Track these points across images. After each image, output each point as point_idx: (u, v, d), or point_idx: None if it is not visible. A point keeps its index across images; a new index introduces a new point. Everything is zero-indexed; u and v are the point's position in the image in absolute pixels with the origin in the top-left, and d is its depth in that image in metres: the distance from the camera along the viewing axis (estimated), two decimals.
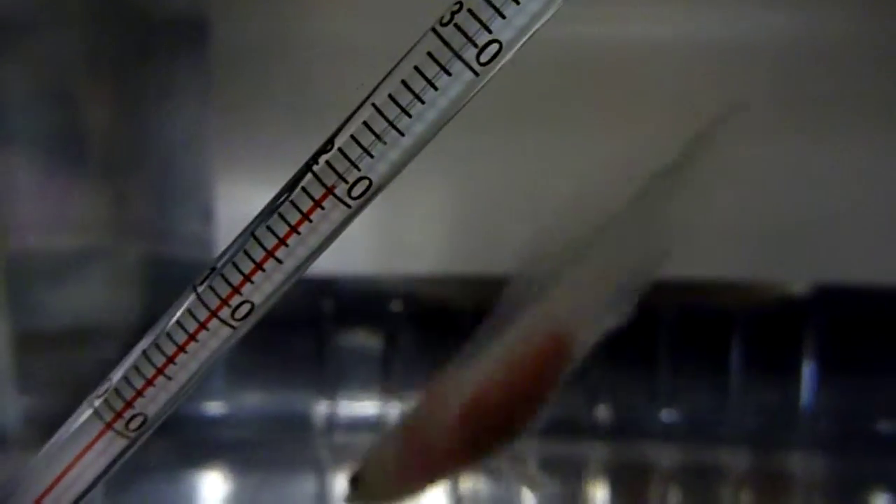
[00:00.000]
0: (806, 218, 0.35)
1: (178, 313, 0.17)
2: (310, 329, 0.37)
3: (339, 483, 0.32)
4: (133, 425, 0.18)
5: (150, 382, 0.18)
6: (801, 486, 0.34)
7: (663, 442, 0.35)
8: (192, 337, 0.17)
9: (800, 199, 0.35)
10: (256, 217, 0.17)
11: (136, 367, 0.18)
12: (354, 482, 0.26)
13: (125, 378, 0.18)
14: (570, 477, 0.33)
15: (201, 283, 0.17)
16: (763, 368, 0.37)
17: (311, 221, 0.16)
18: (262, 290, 0.17)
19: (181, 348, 0.17)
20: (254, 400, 0.38)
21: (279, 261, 0.17)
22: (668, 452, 0.35)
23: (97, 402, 0.18)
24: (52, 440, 0.18)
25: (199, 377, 0.18)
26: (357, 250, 0.36)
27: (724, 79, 0.34)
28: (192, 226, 0.39)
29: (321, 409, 0.37)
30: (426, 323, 0.37)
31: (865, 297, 0.35)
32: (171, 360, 0.17)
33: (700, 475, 0.34)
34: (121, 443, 0.18)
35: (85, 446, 0.18)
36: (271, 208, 0.17)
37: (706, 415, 0.36)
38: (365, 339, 0.37)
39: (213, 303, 0.17)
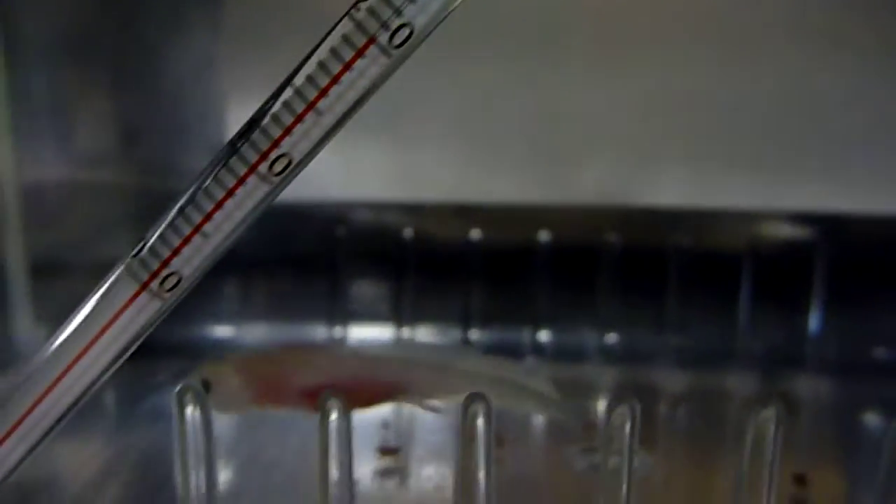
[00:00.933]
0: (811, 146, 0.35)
1: (217, 170, 0.17)
2: (323, 257, 0.37)
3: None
4: (168, 285, 0.18)
5: (186, 241, 0.17)
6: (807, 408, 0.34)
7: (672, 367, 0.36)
8: (230, 193, 0.17)
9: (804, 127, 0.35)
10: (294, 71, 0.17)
11: (172, 225, 0.17)
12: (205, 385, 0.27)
13: (161, 236, 0.17)
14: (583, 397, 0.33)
15: (240, 137, 0.17)
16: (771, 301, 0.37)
17: (351, 71, 0.16)
18: (300, 147, 0.17)
19: (218, 205, 0.17)
20: (263, 326, 0.38)
21: (319, 112, 0.17)
22: (677, 377, 0.35)
23: (132, 263, 0.18)
24: (85, 303, 0.18)
25: (233, 237, 0.18)
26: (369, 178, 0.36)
27: None
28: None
29: (333, 333, 0.37)
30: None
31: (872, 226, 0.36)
32: (208, 217, 0.17)
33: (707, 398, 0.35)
34: (155, 305, 0.18)
35: (119, 308, 0.18)
36: (312, 61, 0.17)
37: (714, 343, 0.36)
38: (376, 268, 0.37)
39: (252, 157, 0.17)
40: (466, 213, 0.37)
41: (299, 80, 0.17)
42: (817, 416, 0.33)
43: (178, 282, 0.18)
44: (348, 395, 0.23)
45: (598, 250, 0.36)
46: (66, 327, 0.18)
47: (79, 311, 0.18)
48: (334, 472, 0.22)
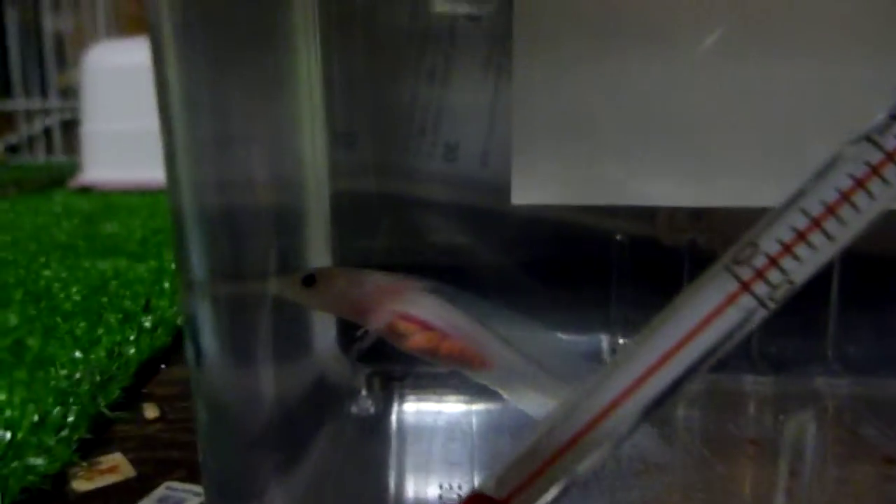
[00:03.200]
0: None
1: (829, 173, 0.16)
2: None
3: None
4: (777, 292, 0.16)
5: (801, 238, 0.16)
6: None
7: None
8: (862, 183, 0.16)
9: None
10: None
11: (787, 225, 0.16)
12: (309, 279, 0.28)
13: (775, 237, 0.16)
14: None
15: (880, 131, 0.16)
16: None
17: None
18: None
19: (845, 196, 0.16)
20: None
21: None
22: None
23: (734, 264, 0.16)
24: (676, 302, 0.17)
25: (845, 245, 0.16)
26: None
27: None
28: None
29: None
30: None
31: None
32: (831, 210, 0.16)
33: None
34: (750, 305, 0.17)
35: (712, 310, 0.16)
36: None
37: None
38: None
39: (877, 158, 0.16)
40: None
41: None
42: None
43: (790, 287, 0.16)
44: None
45: None
46: (639, 336, 0.17)
47: (658, 317, 0.17)
48: None
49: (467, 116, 0.37)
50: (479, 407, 0.33)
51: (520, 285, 0.38)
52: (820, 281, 0.16)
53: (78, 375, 0.38)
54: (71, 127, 1.37)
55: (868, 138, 0.16)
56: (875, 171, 0.16)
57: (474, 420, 0.33)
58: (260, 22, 0.29)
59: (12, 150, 1.37)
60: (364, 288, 0.29)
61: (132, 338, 0.44)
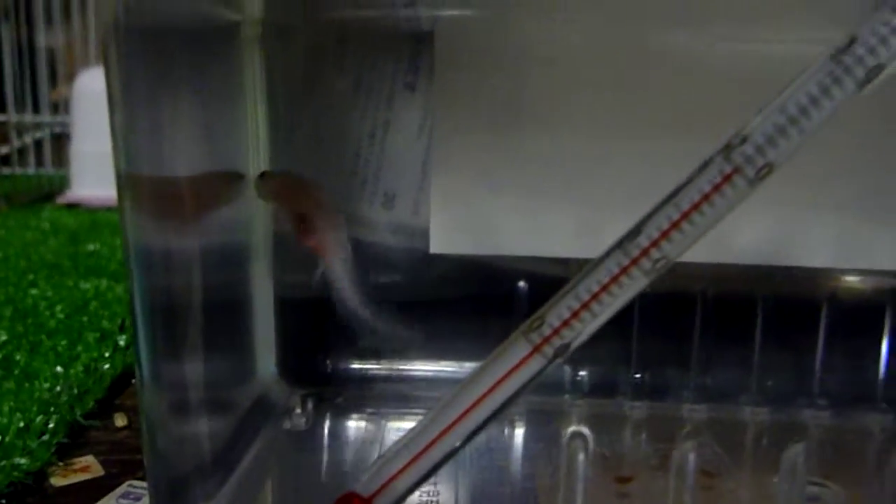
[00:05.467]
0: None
1: (604, 262, 0.23)
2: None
3: None
4: (559, 352, 0.23)
5: (575, 316, 0.23)
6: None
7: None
8: (615, 280, 0.22)
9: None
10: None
11: (565, 303, 0.23)
12: (262, 175, 0.37)
13: (556, 312, 0.23)
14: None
15: (626, 238, 0.22)
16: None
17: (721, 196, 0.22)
18: (675, 250, 0.22)
19: (605, 288, 0.22)
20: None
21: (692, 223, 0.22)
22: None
23: (528, 332, 0.23)
24: (483, 364, 0.23)
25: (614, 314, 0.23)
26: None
27: None
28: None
29: None
30: None
31: None
32: (594, 297, 0.23)
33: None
34: (540, 364, 0.23)
35: (513, 365, 0.23)
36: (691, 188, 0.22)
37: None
38: None
39: (634, 254, 0.22)
40: None
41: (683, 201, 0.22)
42: None
43: (567, 348, 0.23)
44: None
45: None
46: (467, 379, 0.23)
47: (479, 367, 0.23)
48: None
49: (404, 170, 0.44)
50: (393, 423, 0.40)
51: (442, 318, 0.44)
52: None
53: (58, 388, 0.44)
54: (61, 140, 1.42)
55: (619, 244, 0.22)
56: (624, 271, 0.22)
57: (388, 434, 0.39)
58: (209, 82, 0.35)
59: (4, 161, 1.42)
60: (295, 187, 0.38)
61: (107, 354, 0.50)
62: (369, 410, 0.41)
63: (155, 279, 0.30)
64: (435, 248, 0.42)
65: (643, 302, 0.35)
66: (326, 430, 0.39)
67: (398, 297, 0.44)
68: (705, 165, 0.22)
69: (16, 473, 0.37)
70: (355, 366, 0.43)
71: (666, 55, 0.38)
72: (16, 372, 0.46)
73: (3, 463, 0.37)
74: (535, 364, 0.23)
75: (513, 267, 0.43)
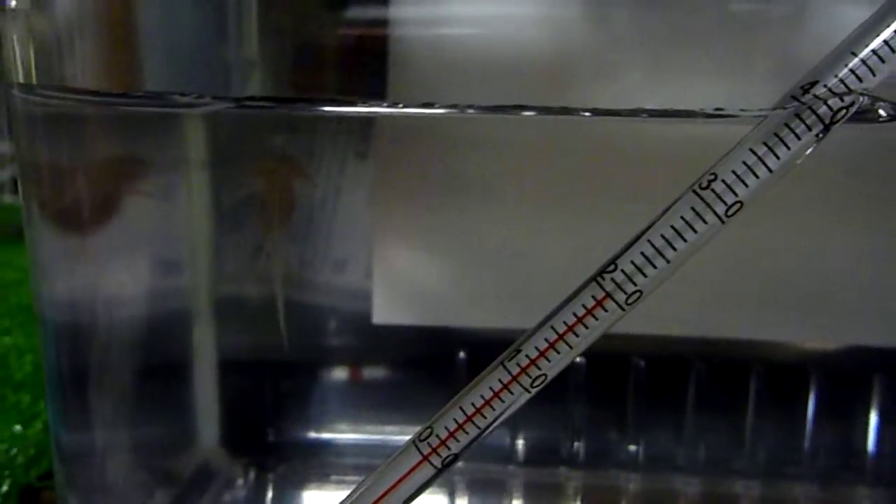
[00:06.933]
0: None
1: (483, 379, 0.24)
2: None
3: None
4: (447, 461, 0.24)
5: (460, 427, 0.24)
6: None
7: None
8: (497, 395, 0.24)
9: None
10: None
11: (452, 417, 0.24)
12: None
13: (444, 425, 0.24)
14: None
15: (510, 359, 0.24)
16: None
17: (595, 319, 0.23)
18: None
19: (487, 402, 0.24)
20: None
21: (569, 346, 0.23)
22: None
23: (418, 441, 0.24)
24: (380, 468, 0.25)
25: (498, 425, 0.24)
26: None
27: None
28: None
29: None
30: None
31: None
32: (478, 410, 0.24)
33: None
34: (429, 473, 0.25)
35: (405, 473, 0.24)
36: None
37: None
38: None
39: (515, 370, 0.24)
40: None
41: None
42: None
43: (456, 458, 0.24)
44: None
45: None
46: (363, 484, 0.25)
47: (378, 470, 0.25)
48: None
49: (354, 236, 0.45)
50: (336, 493, 0.41)
51: (387, 385, 0.46)
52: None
53: (14, 451, 0.46)
54: None
55: (501, 362, 0.24)
56: (506, 387, 0.24)
57: None
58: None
59: None
60: None
61: None
62: (313, 480, 0.43)
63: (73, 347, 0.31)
64: (378, 318, 0.44)
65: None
66: (267, 501, 0.41)
67: (342, 361, 0.46)
68: (581, 288, 0.24)
69: None
70: (299, 435, 0.44)
71: (593, 136, 0.40)
72: None
73: None
74: (426, 472, 0.25)
75: (453, 336, 0.45)
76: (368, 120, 0.44)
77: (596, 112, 0.35)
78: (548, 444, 0.44)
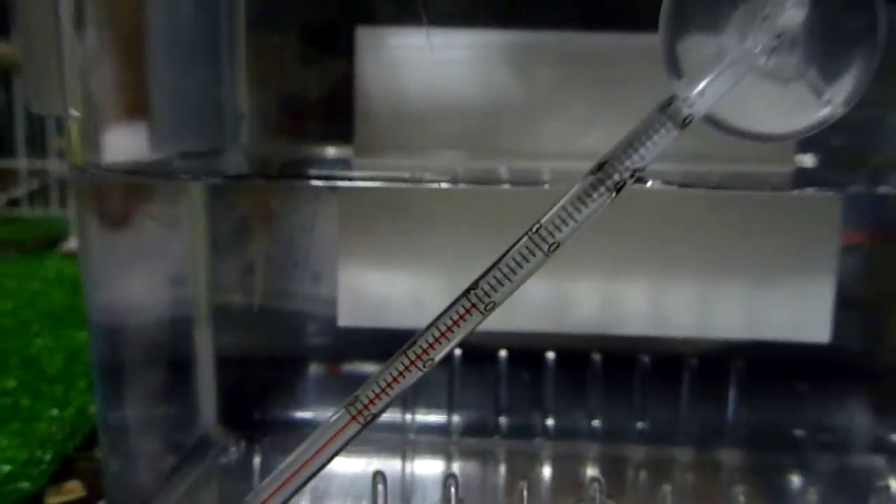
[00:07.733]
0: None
1: (392, 365, 0.35)
2: None
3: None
4: (368, 419, 0.35)
5: (377, 396, 0.35)
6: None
7: None
8: (401, 373, 0.35)
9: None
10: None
11: (371, 389, 0.35)
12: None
13: (366, 394, 0.35)
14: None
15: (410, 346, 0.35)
16: None
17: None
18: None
19: (395, 378, 0.35)
20: None
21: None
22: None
23: (348, 406, 0.35)
24: (320, 428, 0.36)
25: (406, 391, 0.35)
26: None
27: None
28: None
29: None
30: None
31: None
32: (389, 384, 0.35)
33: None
34: (355, 429, 0.36)
35: (339, 429, 0.36)
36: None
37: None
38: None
39: (413, 357, 0.35)
40: None
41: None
42: None
43: (374, 418, 0.35)
44: None
45: None
46: (302, 445, 0.36)
47: (310, 435, 0.36)
48: None
49: (329, 253, 0.56)
50: None
51: (352, 372, 0.57)
52: None
53: (54, 428, 0.57)
54: (65, 185, 1.55)
55: (403, 352, 0.35)
56: (406, 367, 0.35)
57: None
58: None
59: (13, 203, 1.55)
60: None
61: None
62: (290, 449, 0.54)
63: (112, 346, 0.43)
64: (342, 321, 0.55)
65: None
66: (254, 465, 0.52)
67: (315, 356, 0.57)
68: (456, 301, 0.35)
69: (19, 494, 0.50)
70: (280, 414, 0.55)
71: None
72: (22, 415, 0.59)
73: (10, 487, 0.50)
74: (353, 428, 0.36)
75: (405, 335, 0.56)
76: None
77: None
78: (480, 420, 0.56)
